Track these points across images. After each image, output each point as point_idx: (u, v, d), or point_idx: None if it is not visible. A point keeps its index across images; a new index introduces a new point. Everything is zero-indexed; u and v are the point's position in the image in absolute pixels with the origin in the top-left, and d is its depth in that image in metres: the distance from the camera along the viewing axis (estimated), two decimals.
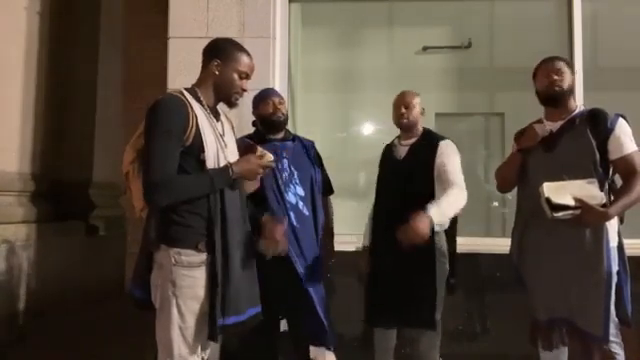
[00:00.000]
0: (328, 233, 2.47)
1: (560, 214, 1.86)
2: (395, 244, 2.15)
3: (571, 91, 2.07)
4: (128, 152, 1.68)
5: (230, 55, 1.68)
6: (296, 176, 2.28)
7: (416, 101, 2.39)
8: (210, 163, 1.58)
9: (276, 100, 2.30)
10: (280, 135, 2.33)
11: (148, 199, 1.54)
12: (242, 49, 1.73)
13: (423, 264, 2.24)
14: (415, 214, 1.99)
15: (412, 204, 2.16)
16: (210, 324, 1.55)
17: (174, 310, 1.52)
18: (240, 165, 1.65)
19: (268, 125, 2.31)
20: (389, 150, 2.50)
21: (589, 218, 1.86)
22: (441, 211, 2.08)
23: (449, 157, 2.29)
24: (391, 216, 2.33)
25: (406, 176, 2.33)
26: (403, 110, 2.36)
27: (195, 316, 1.55)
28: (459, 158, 2.35)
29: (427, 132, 2.43)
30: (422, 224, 1.96)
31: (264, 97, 2.33)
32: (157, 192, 1.51)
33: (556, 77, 2.03)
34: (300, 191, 2.28)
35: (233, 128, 1.84)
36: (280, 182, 2.23)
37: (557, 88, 2.03)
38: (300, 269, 2.17)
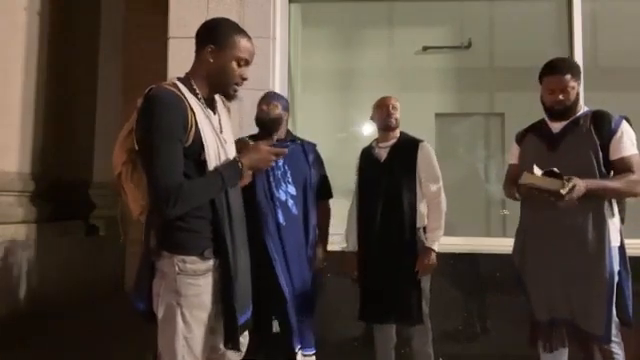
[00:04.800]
0: (322, 236, 2.48)
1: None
2: (382, 244, 2.37)
3: (577, 101, 2.03)
4: (118, 152, 1.55)
5: (226, 39, 1.49)
6: (289, 175, 2.32)
7: (398, 105, 2.52)
8: (211, 163, 1.46)
9: (263, 103, 2.38)
10: (280, 136, 2.38)
11: (160, 212, 1.40)
12: (240, 31, 1.53)
13: (408, 261, 2.36)
14: (421, 254, 2.34)
15: (397, 204, 2.37)
16: (229, 327, 1.48)
17: (179, 320, 1.43)
18: (249, 157, 1.54)
19: (259, 125, 2.38)
20: (368, 153, 2.57)
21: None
22: (437, 234, 2.39)
23: (430, 162, 2.45)
24: (377, 217, 2.41)
25: (390, 177, 2.42)
26: (392, 110, 2.49)
27: (201, 325, 1.46)
28: (435, 158, 2.49)
29: (403, 134, 2.54)
30: (429, 260, 2.33)
31: (260, 100, 2.42)
32: (170, 205, 1.36)
33: (561, 97, 1.99)
34: (292, 190, 2.32)
35: (229, 111, 1.70)
36: (272, 179, 2.27)
37: (562, 107, 2.01)
38: (278, 268, 2.20)
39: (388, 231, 2.38)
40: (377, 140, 2.58)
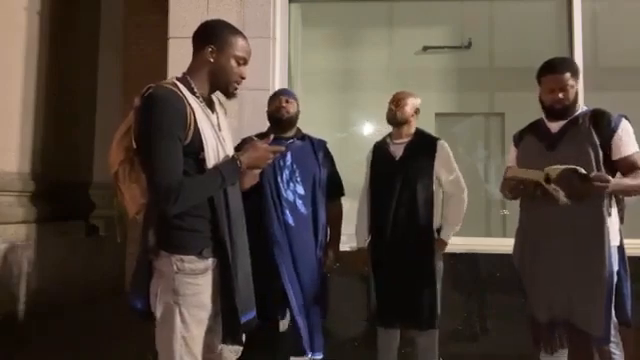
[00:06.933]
0: (334, 236, 2.45)
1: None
2: (395, 244, 2.33)
3: (576, 100, 2.03)
4: (115, 151, 1.55)
5: (225, 40, 1.53)
6: (297, 174, 2.29)
7: (409, 100, 2.46)
8: (210, 162, 1.47)
9: (283, 98, 2.36)
10: (290, 133, 2.37)
11: (160, 210, 1.41)
12: (237, 32, 1.57)
13: (423, 264, 2.33)
14: (438, 243, 2.37)
15: (412, 203, 2.34)
16: (231, 325, 1.48)
17: (177, 320, 1.42)
18: (247, 154, 1.55)
19: (273, 122, 2.36)
20: (382, 149, 2.52)
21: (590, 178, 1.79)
22: (454, 229, 2.41)
23: (450, 160, 2.42)
24: (390, 216, 2.38)
25: (405, 176, 2.38)
26: (392, 107, 2.46)
27: (200, 325, 1.46)
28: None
29: (420, 132, 2.50)
30: (443, 247, 2.40)
31: (274, 95, 2.43)
32: (170, 202, 1.37)
33: (561, 95, 1.99)
34: (300, 189, 2.29)
35: (226, 112, 1.71)
36: (279, 179, 2.24)
37: (561, 106, 2.00)
38: (284, 274, 2.17)
39: (402, 231, 2.35)
40: (390, 136, 2.53)
